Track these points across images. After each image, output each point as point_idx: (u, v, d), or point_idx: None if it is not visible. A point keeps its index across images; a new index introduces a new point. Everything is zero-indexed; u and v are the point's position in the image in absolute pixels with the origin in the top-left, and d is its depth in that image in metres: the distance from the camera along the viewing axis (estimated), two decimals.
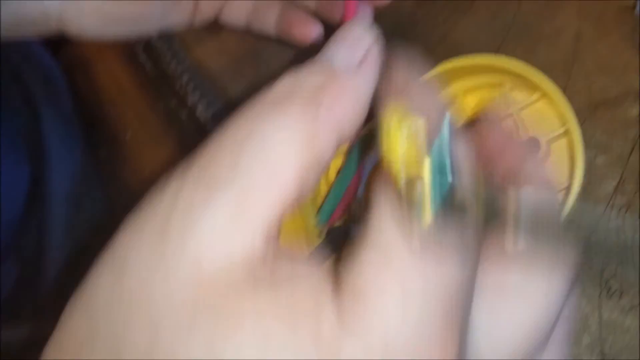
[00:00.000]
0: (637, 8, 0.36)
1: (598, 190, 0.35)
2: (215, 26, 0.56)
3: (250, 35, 0.55)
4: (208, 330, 0.13)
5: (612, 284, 0.31)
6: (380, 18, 0.52)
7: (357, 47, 0.20)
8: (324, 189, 0.32)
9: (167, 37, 0.58)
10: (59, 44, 0.61)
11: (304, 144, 0.17)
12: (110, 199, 0.52)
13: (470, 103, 0.35)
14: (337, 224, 0.27)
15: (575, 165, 0.28)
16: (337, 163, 0.33)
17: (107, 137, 0.53)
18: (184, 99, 0.52)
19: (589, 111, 0.38)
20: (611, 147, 0.36)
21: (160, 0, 0.38)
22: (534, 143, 0.30)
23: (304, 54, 0.29)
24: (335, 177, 0.28)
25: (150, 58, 0.58)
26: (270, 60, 0.52)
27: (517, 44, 0.44)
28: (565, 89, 0.39)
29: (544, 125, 0.32)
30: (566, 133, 0.30)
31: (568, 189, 0.29)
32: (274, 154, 0.16)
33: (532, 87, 0.33)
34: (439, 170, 0.16)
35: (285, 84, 0.18)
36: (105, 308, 0.15)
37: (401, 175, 0.16)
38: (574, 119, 0.29)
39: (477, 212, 0.17)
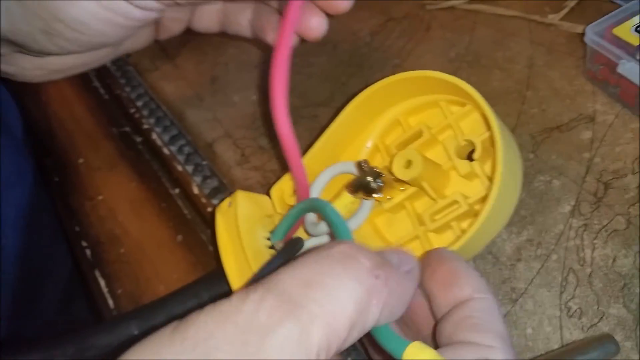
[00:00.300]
0: (586, 36, 0.38)
1: (555, 212, 0.35)
2: (170, 51, 0.56)
3: (206, 60, 0.54)
4: None
5: (571, 305, 0.32)
6: (338, 46, 0.53)
7: (407, 260, 0.25)
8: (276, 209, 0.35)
9: (121, 63, 0.57)
10: None
11: (360, 303, 0.20)
12: (62, 225, 0.50)
13: (412, 122, 0.37)
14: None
15: (497, 161, 0.29)
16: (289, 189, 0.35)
17: (59, 164, 0.51)
18: (138, 124, 0.51)
19: (544, 135, 0.39)
20: (567, 170, 0.37)
21: (107, 48, 0.37)
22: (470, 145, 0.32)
23: None
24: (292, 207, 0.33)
25: (104, 83, 0.57)
26: (227, 85, 0.51)
27: (471, 71, 0.45)
28: (519, 115, 0.40)
29: (476, 129, 0.33)
30: (491, 134, 0.31)
31: (492, 180, 0.30)
32: (337, 299, 0.20)
33: (464, 101, 0.34)
34: None
35: (348, 246, 0.22)
36: None
37: None
38: (495, 120, 0.30)
39: None
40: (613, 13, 0.38)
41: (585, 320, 0.31)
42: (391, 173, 0.32)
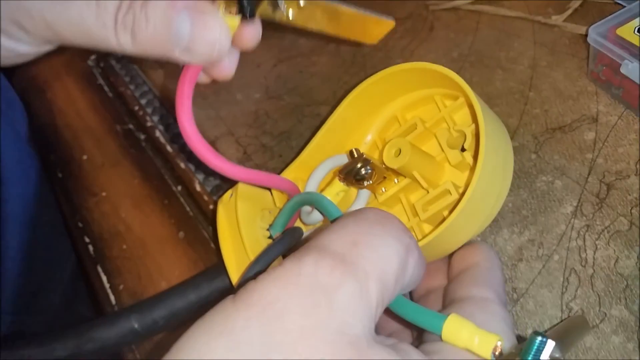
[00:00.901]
0: (590, 37, 0.38)
1: (557, 213, 0.35)
2: None
3: None
4: None
5: (572, 306, 0.32)
6: (340, 46, 0.53)
7: None
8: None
9: (125, 61, 0.57)
10: (14, 67, 0.59)
11: (401, 259, 0.22)
12: (65, 221, 0.51)
13: (408, 118, 0.37)
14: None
15: (480, 147, 0.29)
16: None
17: (63, 160, 0.52)
18: (142, 122, 0.51)
19: (547, 136, 0.39)
20: (569, 171, 0.36)
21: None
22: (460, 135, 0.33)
23: None
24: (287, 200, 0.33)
25: (108, 81, 0.57)
26: (230, 83, 0.51)
27: (474, 71, 0.45)
28: (522, 115, 0.40)
29: (467, 121, 0.34)
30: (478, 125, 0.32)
31: (473, 169, 0.30)
32: (384, 256, 0.21)
33: (456, 94, 0.34)
34: None
35: (378, 209, 0.24)
36: (258, 339, 0.18)
37: None
38: (479, 105, 0.30)
39: None
40: (616, 14, 0.37)
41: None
42: (383, 162, 0.32)
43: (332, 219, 0.29)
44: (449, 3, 0.50)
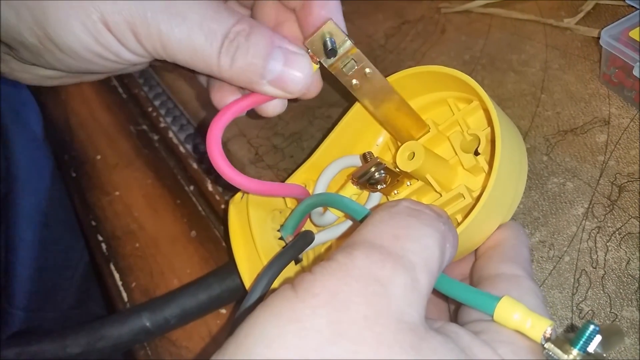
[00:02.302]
0: (602, 39, 0.38)
1: (568, 214, 0.35)
2: None
3: None
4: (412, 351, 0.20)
5: (583, 307, 0.32)
6: None
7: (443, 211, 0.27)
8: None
9: None
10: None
11: (441, 246, 0.23)
12: (78, 219, 0.51)
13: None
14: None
15: (496, 152, 0.29)
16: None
17: (77, 160, 0.52)
18: (155, 123, 0.52)
19: (558, 138, 0.39)
20: (580, 173, 0.36)
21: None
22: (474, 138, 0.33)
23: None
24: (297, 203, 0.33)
25: (122, 82, 0.58)
26: None
27: (485, 74, 0.45)
28: (533, 117, 0.40)
29: (481, 125, 0.34)
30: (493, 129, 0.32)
31: (489, 172, 0.30)
32: (426, 246, 0.23)
33: (470, 97, 0.34)
34: None
35: (409, 202, 0.25)
36: (326, 327, 0.19)
37: None
38: (494, 109, 0.30)
39: None
40: (629, 16, 0.37)
41: (597, 322, 0.31)
42: (396, 166, 0.33)
43: (360, 217, 0.29)
44: (461, 6, 0.50)
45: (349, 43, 0.29)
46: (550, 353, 0.23)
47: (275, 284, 0.29)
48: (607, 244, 0.33)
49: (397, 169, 0.33)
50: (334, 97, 0.48)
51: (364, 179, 0.33)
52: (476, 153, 0.33)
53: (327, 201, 0.32)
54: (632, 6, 0.39)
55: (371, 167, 0.32)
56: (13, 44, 0.30)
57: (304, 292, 0.20)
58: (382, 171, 0.32)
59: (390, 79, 0.34)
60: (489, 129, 0.32)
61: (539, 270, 0.34)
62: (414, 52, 0.49)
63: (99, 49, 0.29)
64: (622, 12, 0.43)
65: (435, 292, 0.27)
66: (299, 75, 0.29)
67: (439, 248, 0.23)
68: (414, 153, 0.32)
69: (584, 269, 0.33)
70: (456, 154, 0.33)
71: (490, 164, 0.30)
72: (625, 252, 0.33)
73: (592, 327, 0.22)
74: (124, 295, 0.42)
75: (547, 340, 0.23)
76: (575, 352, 0.22)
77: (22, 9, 0.28)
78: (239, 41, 0.28)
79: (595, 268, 0.33)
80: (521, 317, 0.23)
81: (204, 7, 0.28)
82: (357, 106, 0.36)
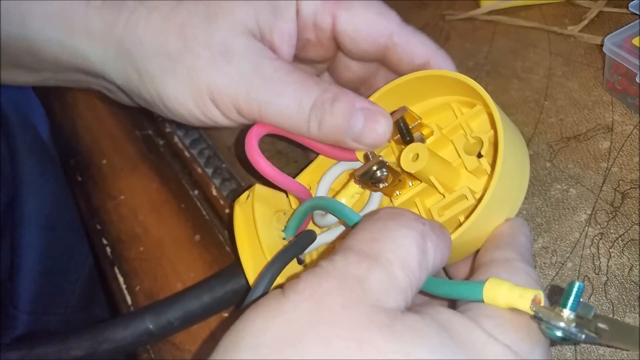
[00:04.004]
0: (605, 46, 0.38)
1: (571, 221, 0.35)
2: None
3: None
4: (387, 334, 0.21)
5: None
6: None
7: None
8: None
9: None
10: None
11: (420, 245, 0.24)
12: (83, 223, 0.52)
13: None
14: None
15: (499, 154, 0.30)
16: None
17: (83, 164, 0.53)
18: (161, 128, 0.52)
19: (561, 144, 0.39)
20: (584, 179, 0.37)
21: None
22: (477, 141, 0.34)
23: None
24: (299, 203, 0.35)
25: None
26: None
27: (489, 80, 0.45)
28: (537, 124, 0.41)
29: (485, 128, 0.34)
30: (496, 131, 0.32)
31: (491, 175, 0.30)
32: (402, 245, 0.24)
33: (473, 101, 0.34)
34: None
35: (390, 207, 0.28)
36: (307, 315, 0.21)
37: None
38: (497, 111, 0.31)
39: None
40: (632, 24, 0.38)
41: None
42: (399, 166, 0.33)
43: (352, 224, 0.30)
44: (465, 13, 0.51)
45: None
46: (543, 318, 0.23)
47: (279, 280, 0.29)
48: (610, 250, 0.33)
49: (399, 169, 0.33)
50: None
51: (366, 177, 0.33)
52: (479, 155, 0.33)
53: (323, 205, 0.32)
54: (636, 14, 0.39)
55: (373, 165, 0.32)
56: (130, 93, 0.36)
57: (289, 291, 0.22)
58: (384, 169, 0.32)
59: (395, 82, 0.35)
60: (491, 132, 0.32)
61: (541, 276, 0.34)
62: None
63: (204, 119, 0.34)
64: (626, 20, 0.43)
65: (437, 299, 0.27)
66: (379, 131, 0.33)
67: (417, 246, 0.24)
68: (417, 154, 0.32)
69: (587, 275, 0.33)
70: (459, 156, 0.34)
71: (493, 165, 0.30)
72: (628, 258, 0.33)
73: (577, 284, 0.23)
74: (128, 298, 0.42)
75: (538, 307, 0.23)
76: (566, 312, 0.23)
77: (145, 74, 0.34)
78: (325, 108, 0.32)
79: (597, 274, 0.33)
80: (507, 292, 0.24)
81: (296, 81, 0.32)
82: None
